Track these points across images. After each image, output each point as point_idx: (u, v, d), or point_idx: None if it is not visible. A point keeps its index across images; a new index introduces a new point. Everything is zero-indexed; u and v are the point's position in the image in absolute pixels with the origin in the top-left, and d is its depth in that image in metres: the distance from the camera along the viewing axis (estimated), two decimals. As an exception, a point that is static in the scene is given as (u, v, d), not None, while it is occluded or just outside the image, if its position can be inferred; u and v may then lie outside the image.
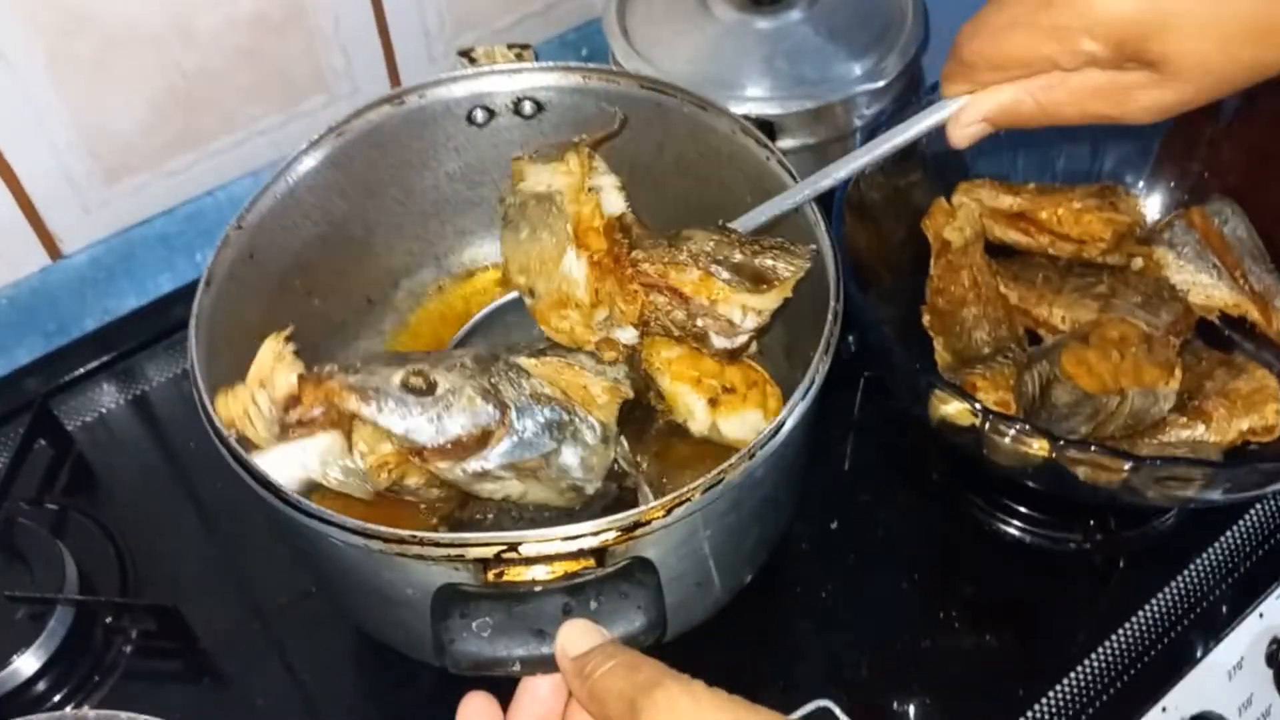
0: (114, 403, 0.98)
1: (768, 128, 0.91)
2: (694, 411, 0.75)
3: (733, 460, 0.61)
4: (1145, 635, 0.82)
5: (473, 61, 0.86)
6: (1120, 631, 0.82)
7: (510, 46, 0.87)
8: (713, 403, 0.74)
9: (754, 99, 0.93)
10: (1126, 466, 0.67)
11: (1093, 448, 0.67)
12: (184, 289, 1.05)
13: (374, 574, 0.63)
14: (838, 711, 0.77)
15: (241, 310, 0.75)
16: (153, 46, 0.90)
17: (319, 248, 0.83)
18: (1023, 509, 0.86)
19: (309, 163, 0.80)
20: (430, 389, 0.68)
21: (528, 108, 0.86)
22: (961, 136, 0.64)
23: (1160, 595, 0.84)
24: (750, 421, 0.75)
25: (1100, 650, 0.81)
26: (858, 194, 0.85)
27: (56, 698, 0.80)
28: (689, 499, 0.59)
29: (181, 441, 0.96)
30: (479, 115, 0.86)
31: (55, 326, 1.01)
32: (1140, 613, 0.83)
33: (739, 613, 0.77)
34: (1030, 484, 0.77)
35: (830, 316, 0.68)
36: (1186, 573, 0.85)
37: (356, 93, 1.05)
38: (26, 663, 0.78)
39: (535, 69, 0.85)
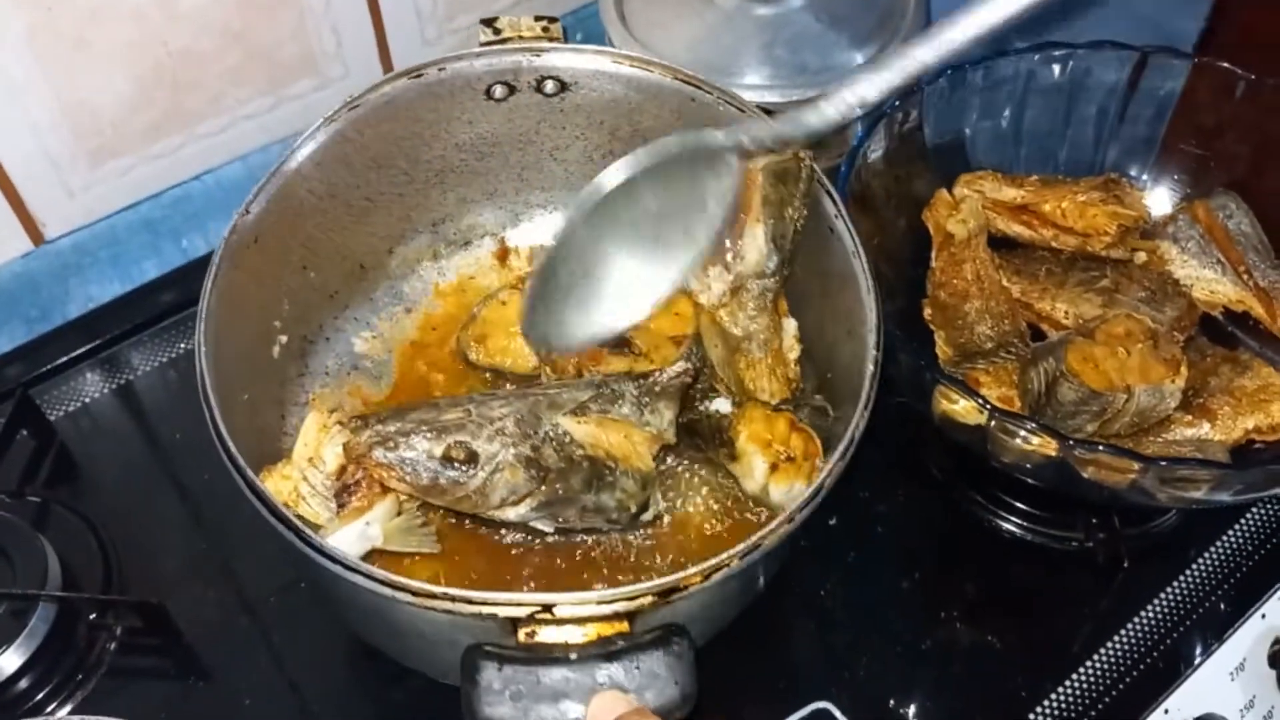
0: (97, 392, 0.96)
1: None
2: (754, 472, 0.75)
3: (773, 526, 0.60)
4: (1147, 636, 0.81)
5: (496, 31, 0.83)
6: (1123, 632, 0.81)
7: (537, 19, 0.83)
8: (774, 468, 0.74)
9: (753, 87, 0.92)
10: (1136, 467, 0.65)
11: (1102, 447, 0.65)
12: (170, 275, 1.03)
13: (388, 609, 0.61)
14: (837, 713, 0.75)
15: (244, 297, 0.73)
16: (136, 23, 0.88)
17: (320, 221, 0.81)
18: (1024, 506, 0.85)
19: (319, 137, 0.78)
20: (471, 460, 0.67)
21: (550, 86, 0.84)
22: None
23: (1162, 595, 0.83)
24: (794, 491, 0.74)
25: (1103, 651, 0.80)
26: (859, 184, 0.83)
27: (39, 696, 0.77)
28: (728, 565, 0.59)
29: (167, 432, 0.94)
30: (498, 91, 0.83)
31: (37, 313, 0.98)
32: (1142, 613, 0.82)
33: (737, 617, 0.75)
34: (1034, 482, 0.75)
35: (870, 366, 0.67)
36: (1188, 573, 0.84)
37: (347, 76, 1.02)
38: (8, 660, 0.76)
39: (566, 49, 0.82)
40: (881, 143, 0.85)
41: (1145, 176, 0.93)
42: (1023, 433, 0.67)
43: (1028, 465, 0.72)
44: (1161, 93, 0.90)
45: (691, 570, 0.58)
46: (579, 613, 0.57)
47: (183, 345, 0.99)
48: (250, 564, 0.84)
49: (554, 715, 0.54)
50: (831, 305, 0.78)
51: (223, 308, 0.71)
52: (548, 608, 0.56)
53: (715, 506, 0.78)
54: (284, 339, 0.81)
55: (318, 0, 0.96)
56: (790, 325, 0.84)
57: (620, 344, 0.79)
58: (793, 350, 0.83)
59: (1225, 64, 0.86)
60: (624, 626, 0.58)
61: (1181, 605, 0.82)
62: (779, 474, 0.74)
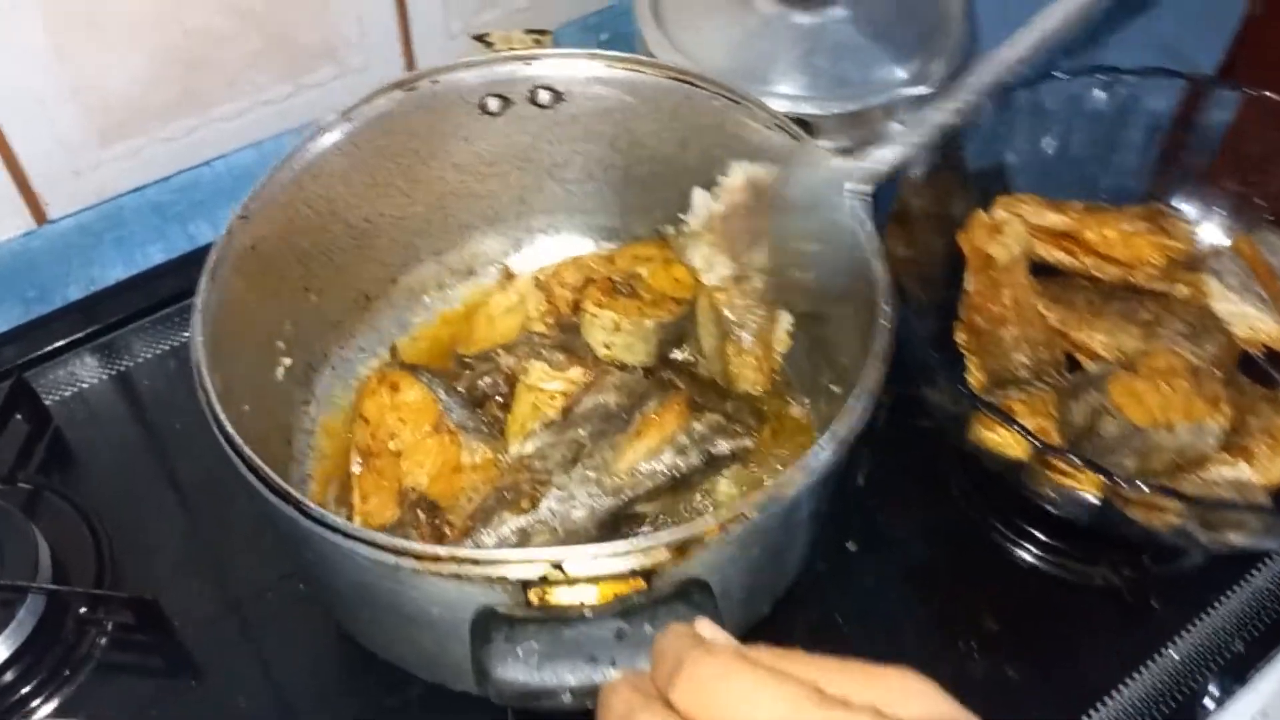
0: (95, 378, 0.93)
1: (804, 128, 0.87)
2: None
3: (788, 475, 0.57)
4: (1168, 676, 0.78)
5: (489, 46, 0.82)
6: (1142, 670, 0.78)
7: (528, 31, 0.83)
8: None
9: (790, 97, 0.89)
10: (1183, 509, 0.63)
11: (1149, 488, 0.63)
12: (175, 261, 1.00)
13: (394, 593, 0.58)
14: (852, 743, 0.73)
15: (243, 305, 0.71)
16: (152, 0, 0.85)
17: (319, 238, 0.79)
18: (1045, 537, 0.83)
19: (315, 148, 0.76)
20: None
21: (545, 97, 0.82)
22: None
23: (1184, 635, 0.80)
24: None
25: (1121, 689, 0.77)
26: (900, 201, 0.81)
27: (23, 691, 0.74)
28: (746, 517, 0.56)
29: (166, 422, 0.91)
30: (493, 104, 0.82)
31: (35, 294, 0.95)
32: (1163, 652, 0.79)
33: (750, 636, 0.72)
34: (1070, 517, 0.73)
35: (882, 321, 0.65)
36: (1210, 613, 0.82)
37: (368, 66, 0.99)
38: (-8, 653, 0.73)
39: (555, 55, 0.81)
40: (924, 161, 0.83)
41: (1189, 208, 0.91)
42: (1067, 468, 0.64)
43: (1065, 501, 0.69)
44: (1209, 124, 0.88)
45: (709, 522, 0.56)
46: (592, 569, 0.54)
47: (185, 334, 0.96)
48: (246, 562, 0.81)
49: (571, 673, 0.52)
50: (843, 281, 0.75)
51: (221, 309, 0.68)
52: (558, 564, 0.54)
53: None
54: (288, 361, 0.78)
55: (344, -14, 0.93)
56: (785, 319, 0.82)
57: (627, 291, 0.78)
58: (782, 344, 0.82)
59: (1278, 97, 0.84)
60: (640, 585, 0.55)
61: (1203, 646, 0.80)
62: None
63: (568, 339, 0.79)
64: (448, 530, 0.68)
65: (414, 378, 0.74)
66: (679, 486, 0.71)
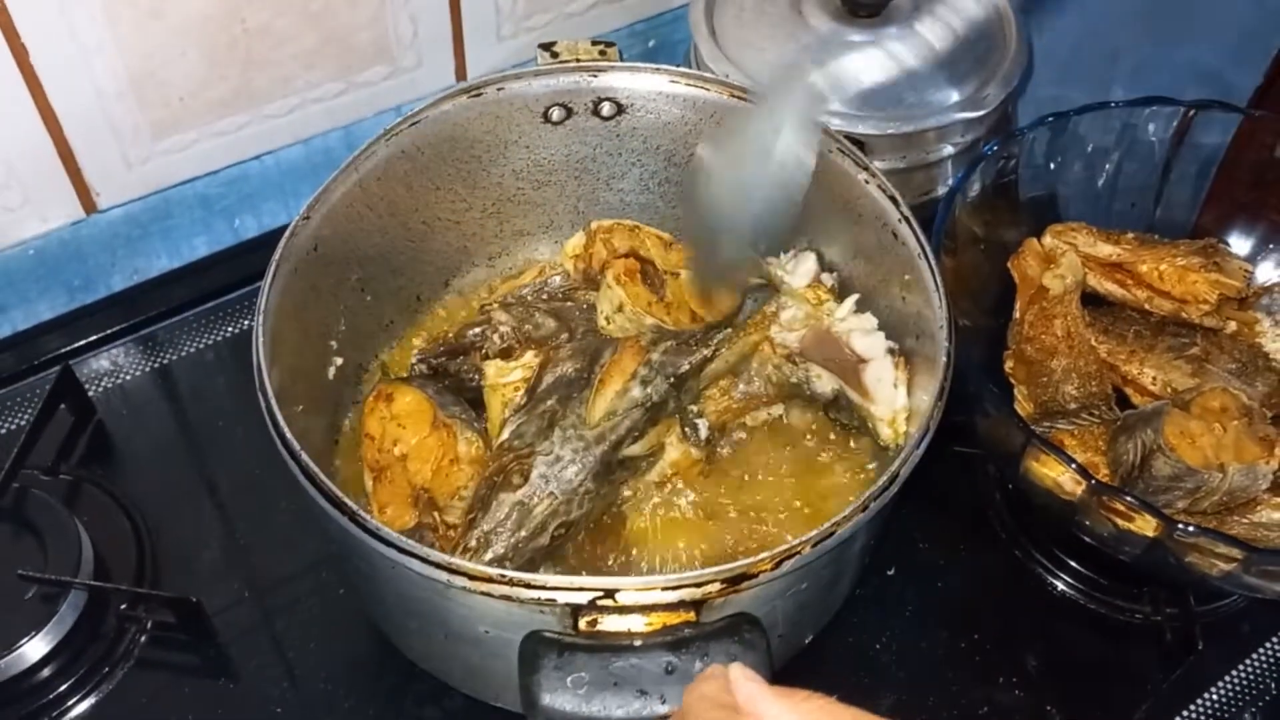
0: (138, 370, 0.93)
1: (859, 148, 0.86)
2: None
3: (846, 513, 0.57)
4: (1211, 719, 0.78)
5: (554, 56, 0.82)
6: (1185, 714, 0.78)
7: (594, 42, 0.83)
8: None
9: (843, 115, 0.89)
10: (1240, 556, 0.62)
11: (1208, 534, 0.62)
12: (219, 254, 1.00)
13: (442, 608, 0.58)
14: (891, 773, 0.72)
15: (302, 304, 0.71)
16: (217, -4, 0.85)
17: (379, 240, 0.79)
18: (1088, 572, 0.82)
19: (381, 151, 0.75)
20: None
21: (607, 109, 0.82)
22: None
23: (1228, 678, 0.80)
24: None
25: (1162, 732, 0.77)
26: (952, 225, 0.81)
27: (62, 687, 0.75)
28: (800, 552, 0.56)
29: (206, 418, 0.91)
30: (555, 113, 0.82)
31: (80, 282, 0.95)
32: (1206, 695, 0.79)
33: (788, 666, 0.72)
34: (1121, 557, 0.72)
35: (944, 359, 0.64)
36: (1256, 656, 0.81)
37: (420, 66, 0.99)
38: (34, 648, 0.73)
39: (621, 68, 0.81)
40: (977, 184, 0.83)
41: (1241, 243, 0.90)
42: (1122, 508, 0.64)
43: (1117, 541, 0.69)
44: (1261, 158, 0.87)
45: (761, 556, 0.56)
46: (643, 599, 0.54)
47: (229, 329, 0.96)
48: (286, 564, 0.82)
49: (620, 707, 0.52)
50: (899, 314, 0.76)
51: (281, 308, 0.68)
52: (610, 593, 0.54)
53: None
54: (339, 361, 0.79)
55: (400, -14, 0.93)
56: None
57: (655, 283, 0.78)
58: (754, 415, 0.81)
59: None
60: (690, 616, 0.55)
61: (1248, 690, 0.80)
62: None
63: (559, 305, 0.79)
64: (445, 529, 0.69)
65: (405, 385, 0.75)
66: (656, 415, 0.72)
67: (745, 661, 0.52)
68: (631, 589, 0.53)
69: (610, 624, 0.54)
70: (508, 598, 0.54)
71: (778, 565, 0.55)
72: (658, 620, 0.54)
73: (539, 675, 0.52)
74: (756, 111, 0.68)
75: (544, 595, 0.53)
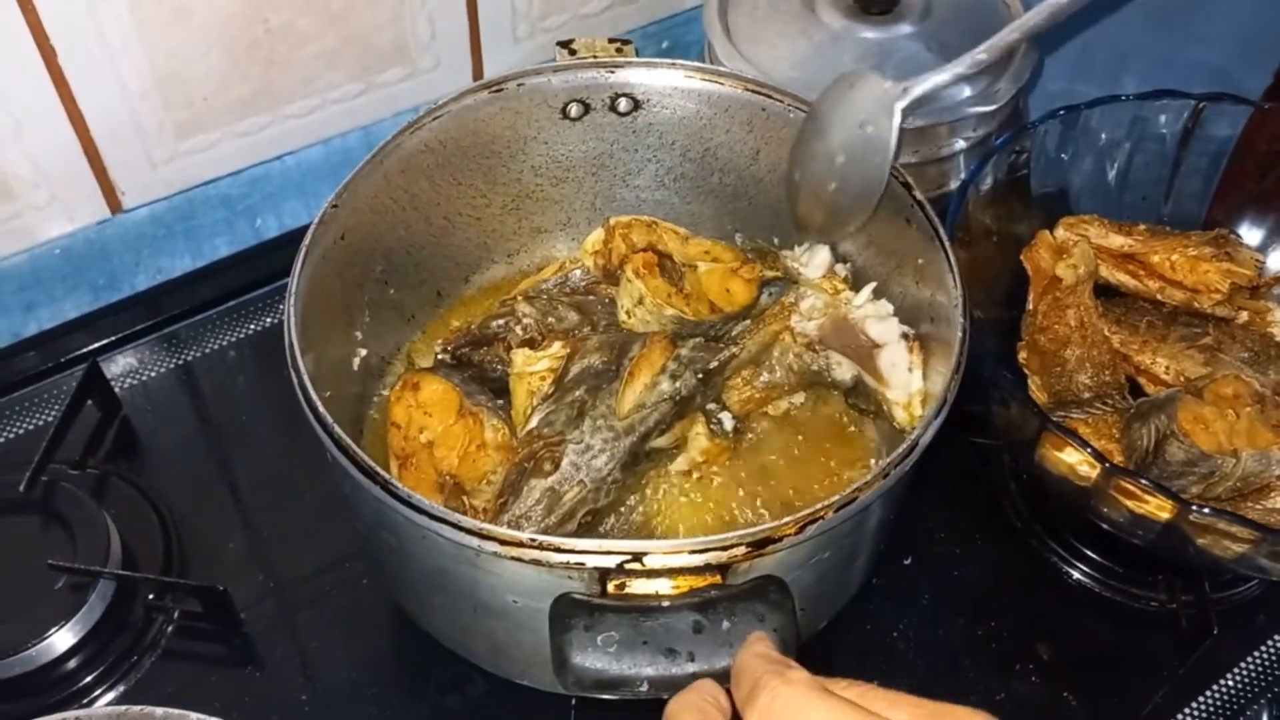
0: (162, 367, 0.94)
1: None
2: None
3: (868, 478, 0.58)
4: (1225, 706, 0.79)
5: (573, 53, 0.83)
6: (1201, 700, 0.79)
7: (611, 40, 0.84)
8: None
9: (857, 111, 0.89)
10: (1254, 537, 0.63)
11: (1224, 515, 0.63)
12: (241, 254, 1.02)
13: (471, 579, 0.59)
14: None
15: (330, 293, 0.72)
16: (241, -2, 0.86)
17: (402, 234, 0.80)
18: (1103, 560, 0.83)
19: (407, 144, 0.77)
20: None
21: (624, 104, 0.83)
22: None
23: (1243, 665, 0.80)
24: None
25: (1179, 718, 0.78)
26: (965, 218, 0.81)
27: (90, 676, 0.76)
28: (822, 516, 0.57)
29: (229, 413, 0.92)
30: (574, 109, 0.83)
31: (105, 281, 0.97)
32: (1221, 682, 0.80)
33: (806, 651, 0.73)
34: (1136, 541, 0.73)
35: (959, 334, 0.65)
36: (1270, 644, 0.82)
37: (438, 67, 1.01)
38: (62, 639, 0.74)
39: (638, 64, 0.82)
40: (989, 177, 0.84)
41: (1252, 233, 0.91)
42: (1137, 491, 0.65)
43: (1132, 525, 0.70)
44: (1273, 150, 0.88)
45: (785, 520, 0.57)
46: (670, 563, 0.55)
47: (252, 326, 0.97)
48: (310, 554, 0.83)
49: (650, 665, 0.53)
50: (913, 299, 0.77)
51: (310, 296, 0.69)
52: (638, 556, 0.55)
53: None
54: (363, 352, 0.80)
55: (419, -13, 0.94)
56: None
57: (674, 276, 0.79)
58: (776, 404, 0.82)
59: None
60: (716, 579, 0.56)
61: (1263, 676, 0.80)
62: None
63: (581, 299, 0.81)
64: (472, 513, 0.70)
65: (431, 374, 0.76)
66: (683, 409, 0.73)
67: (772, 621, 0.53)
68: (659, 552, 0.54)
69: (638, 587, 0.55)
70: (538, 562, 0.55)
71: (801, 529, 0.56)
72: (684, 583, 0.55)
73: (570, 635, 0.53)
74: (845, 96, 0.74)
75: (573, 559, 0.54)
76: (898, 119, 0.71)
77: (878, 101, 0.72)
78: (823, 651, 0.77)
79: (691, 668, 0.53)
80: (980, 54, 0.69)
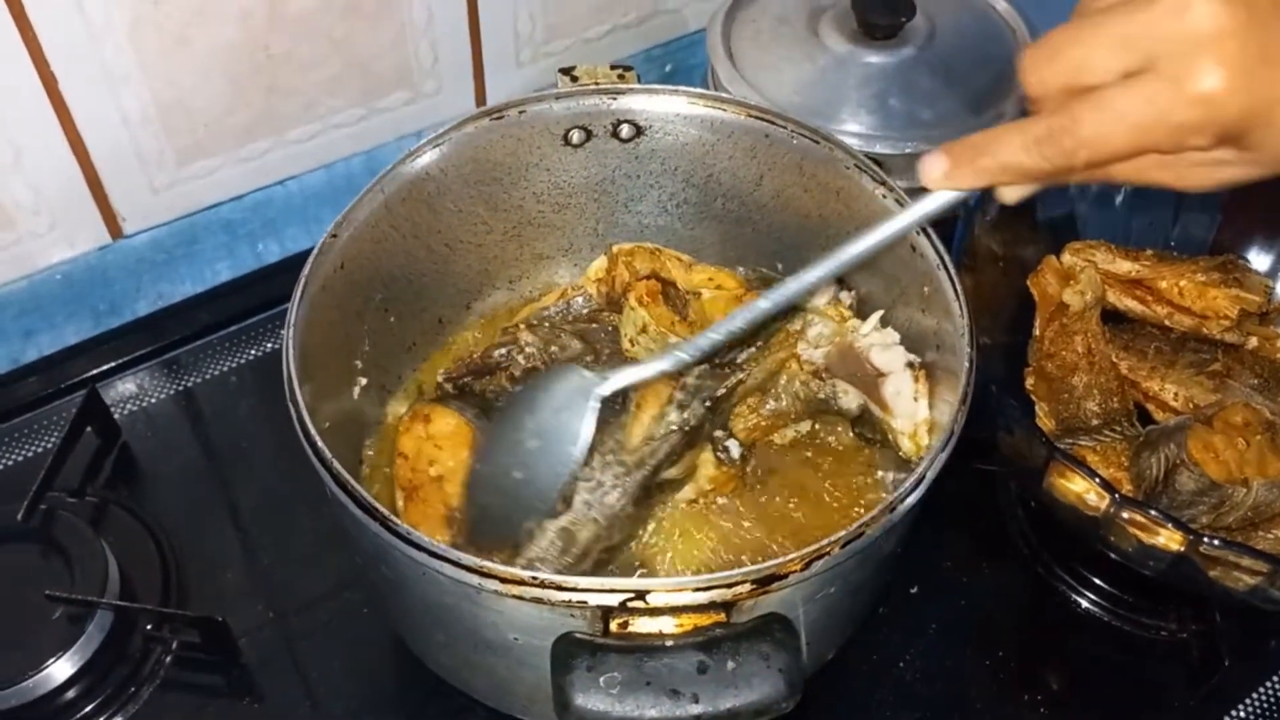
0: (162, 393, 0.94)
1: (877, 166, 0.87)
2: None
3: (874, 513, 0.58)
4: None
5: (575, 80, 0.83)
6: (1210, 731, 0.78)
7: (613, 67, 0.84)
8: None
9: (862, 135, 0.89)
10: (1267, 569, 0.62)
11: (1234, 548, 0.62)
12: (242, 279, 1.01)
13: (472, 616, 0.58)
14: (915, 792, 0.72)
15: (329, 322, 0.72)
16: (241, 23, 0.86)
17: (402, 261, 0.80)
18: (1111, 589, 0.82)
19: (407, 171, 0.76)
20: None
21: (626, 131, 0.83)
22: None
23: (1253, 697, 0.79)
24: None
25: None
26: (971, 244, 0.81)
27: (88, 708, 0.75)
28: (828, 553, 0.56)
29: (229, 440, 0.91)
30: (575, 136, 0.83)
31: (106, 307, 0.96)
32: (1231, 714, 0.79)
33: (812, 679, 0.72)
34: (1146, 572, 0.72)
35: (966, 364, 0.65)
36: (1281, 675, 0.81)
37: (440, 92, 1.00)
38: (60, 669, 0.74)
39: (639, 90, 0.82)
40: (995, 203, 0.83)
41: (1260, 259, 0.90)
42: (1147, 522, 0.64)
43: (1141, 556, 0.69)
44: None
45: (791, 556, 0.56)
46: (673, 601, 0.54)
47: (252, 352, 0.97)
48: (309, 584, 0.82)
49: (654, 707, 0.52)
50: (919, 327, 0.76)
51: (309, 325, 0.69)
52: (641, 594, 0.54)
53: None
54: (364, 381, 0.79)
55: (421, 14, 0.94)
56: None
57: (678, 304, 0.79)
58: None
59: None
60: (720, 617, 0.55)
61: (1276, 706, 0.79)
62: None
63: (584, 327, 0.80)
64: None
65: (444, 407, 0.75)
66: (693, 439, 0.73)
67: (778, 661, 0.52)
68: (662, 590, 0.54)
69: (641, 625, 0.54)
70: (539, 600, 0.54)
71: (807, 566, 0.56)
72: (688, 621, 0.54)
73: (572, 675, 0.52)
74: None
75: (575, 597, 0.54)
76: (595, 405, 0.67)
77: (578, 388, 0.68)
78: (829, 682, 0.76)
79: (695, 710, 0.52)
80: (682, 353, 0.65)
